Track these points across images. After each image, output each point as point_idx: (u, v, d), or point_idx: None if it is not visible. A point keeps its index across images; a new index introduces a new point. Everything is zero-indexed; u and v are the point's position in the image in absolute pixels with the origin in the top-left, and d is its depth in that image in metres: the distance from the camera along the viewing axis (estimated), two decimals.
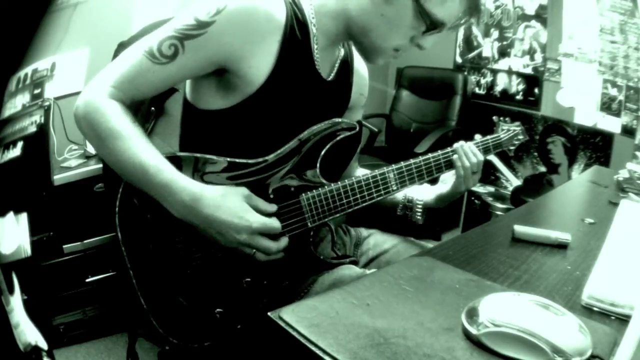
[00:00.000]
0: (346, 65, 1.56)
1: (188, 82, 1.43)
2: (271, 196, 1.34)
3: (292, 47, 1.33)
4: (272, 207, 1.31)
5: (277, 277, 1.37)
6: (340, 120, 1.40)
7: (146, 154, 1.22)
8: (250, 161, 1.33)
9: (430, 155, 1.50)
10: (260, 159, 1.33)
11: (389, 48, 1.35)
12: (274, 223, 1.26)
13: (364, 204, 1.42)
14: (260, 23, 1.27)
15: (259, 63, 1.30)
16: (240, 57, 1.27)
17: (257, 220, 1.23)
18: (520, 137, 1.73)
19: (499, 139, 1.67)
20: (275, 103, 1.33)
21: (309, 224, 1.37)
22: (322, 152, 1.39)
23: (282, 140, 1.36)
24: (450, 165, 1.53)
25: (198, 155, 1.32)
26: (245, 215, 1.22)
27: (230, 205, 1.22)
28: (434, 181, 1.60)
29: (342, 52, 1.53)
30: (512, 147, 1.72)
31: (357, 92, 1.64)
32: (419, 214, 1.64)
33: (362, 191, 1.41)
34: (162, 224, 1.28)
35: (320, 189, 1.38)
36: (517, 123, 1.75)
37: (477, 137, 1.62)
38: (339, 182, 1.39)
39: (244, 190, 1.27)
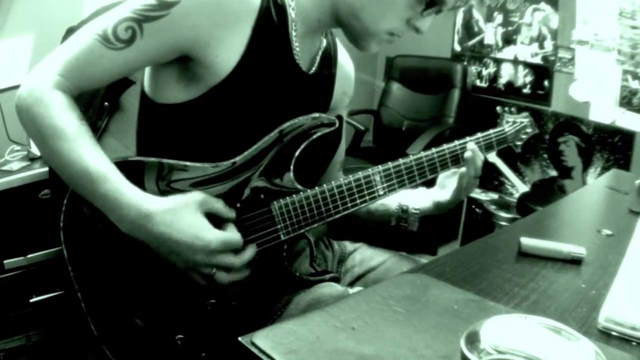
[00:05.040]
0: (328, 58, 1.56)
1: (146, 73, 1.42)
2: (238, 205, 1.33)
3: (266, 32, 1.33)
4: (232, 212, 1.30)
5: (246, 298, 1.36)
6: (318, 115, 1.39)
7: (91, 158, 1.20)
8: (216, 164, 1.31)
9: (422, 154, 1.49)
10: (227, 162, 1.32)
11: (383, 31, 1.35)
12: (234, 237, 1.25)
13: (345, 212, 1.41)
14: (232, 4, 1.27)
15: (228, 50, 1.29)
16: (207, 43, 1.27)
17: (216, 238, 1.20)
18: (529, 130, 1.72)
19: (503, 133, 1.65)
20: (243, 95, 1.33)
21: (282, 235, 1.36)
22: (297, 153, 1.37)
23: (252, 140, 1.34)
24: (445, 165, 1.52)
25: (164, 160, 1.30)
26: (202, 234, 1.20)
27: (183, 221, 1.20)
28: (430, 184, 1.60)
29: (324, 42, 1.53)
30: (519, 143, 1.70)
31: (340, 90, 1.64)
32: (415, 223, 1.62)
33: (344, 197, 1.40)
34: (114, 239, 1.26)
35: (294, 195, 1.37)
36: (525, 114, 1.73)
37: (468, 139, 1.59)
38: (317, 188, 1.38)
39: (196, 197, 1.24)
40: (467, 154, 1.51)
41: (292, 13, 1.37)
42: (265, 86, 1.36)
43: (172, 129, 1.38)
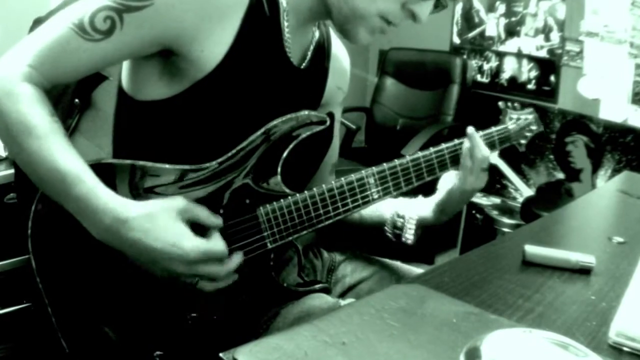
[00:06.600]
0: (321, 51, 1.55)
1: (124, 68, 1.41)
2: (221, 211, 1.32)
3: (256, 23, 1.32)
4: (217, 220, 1.28)
5: (230, 311, 1.36)
6: (307, 112, 1.38)
7: (64, 157, 1.18)
8: (197, 166, 1.30)
9: (420, 154, 1.48)
10: (210, 164, 1.31)
11: (374, 13, 1.32)
12: (217, 247, 1.23)
13: (336, 217, 1.40)
14: None
15: (215, 43, 1.28)
16: (193, 37, 1.25)
17: (195, 248, 1.18)
18: (534, 127, 1.73)
19: (506, 130, 1.66)
20: (230, 90, 1.32)
21: (268, 244, 1.36)
22: (285, 154, 1.37)
23: (238, 140, 1.33)
24: (444, 166, 1.51)
25: (138, 163, 1.29)
26: (180, 242, 1.17)
27: (161, 228, 1.18)
28: (428, 192, 1.59)
29: (316, 34, 1.53)
30: (523, 141, 1.71)
31: (333, 85, 1.63)
32: (412, 233, 1.60)
33: (335, 201, 1.39)
34: (87, 249, 1.25)
35: (282, 200, 1.36)
36: (530, 110, 1.74)
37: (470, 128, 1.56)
38: (306, 192, 1.37)
39: (178, 203, 1.22)
40: (467, 141, 1.51)
41: (283, 2, 1.36)
42: (253, 81, 1.35)
43: (153, 128, 1.37)
